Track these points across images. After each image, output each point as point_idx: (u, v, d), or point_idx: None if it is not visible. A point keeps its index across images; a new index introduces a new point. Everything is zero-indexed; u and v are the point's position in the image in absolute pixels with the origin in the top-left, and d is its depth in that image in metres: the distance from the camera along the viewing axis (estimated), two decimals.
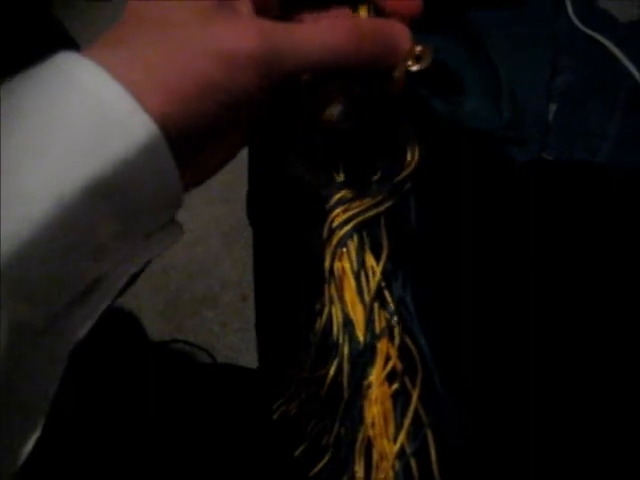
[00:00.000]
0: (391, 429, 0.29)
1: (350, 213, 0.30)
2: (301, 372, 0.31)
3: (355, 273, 0.30)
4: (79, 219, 0.23)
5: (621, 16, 0.77)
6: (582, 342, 0.41)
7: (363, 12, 0.31)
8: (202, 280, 0.96)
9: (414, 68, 0.30)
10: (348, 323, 0.30)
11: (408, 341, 0.29)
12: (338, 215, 0.31)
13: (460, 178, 0.42)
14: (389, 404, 0.29)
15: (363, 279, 0.30)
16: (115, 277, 0.26)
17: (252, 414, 0.66)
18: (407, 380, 0.29)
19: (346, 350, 0.30)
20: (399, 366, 0.29)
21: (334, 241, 0.31)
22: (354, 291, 0.30)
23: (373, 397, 0.29)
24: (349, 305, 0.30)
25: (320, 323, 0.31)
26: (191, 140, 0.26)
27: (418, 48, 0.30)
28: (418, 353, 0.29)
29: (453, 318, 0.36)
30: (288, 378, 0.32)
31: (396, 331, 0.30)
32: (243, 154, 0.56)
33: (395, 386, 0.29)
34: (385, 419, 0.28)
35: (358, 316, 0.30)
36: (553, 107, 0.75)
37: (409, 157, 0.31)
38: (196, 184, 0.30)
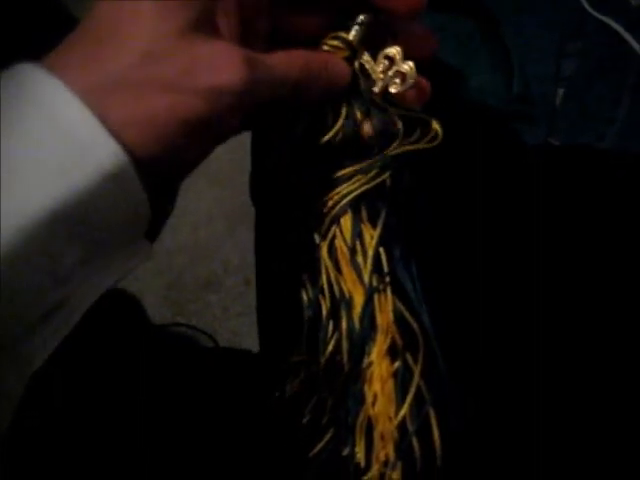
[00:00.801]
0: (392, 408, 0.28)
1: (344, 191, 0.30)
2: (301, 352, 0.31)
3: (350, 248, 0.30)
4: (40, 249, 0.22)
5: None
6: (590, 324, 0.41)
7: (353, 36, 0.31)
8: (205, 263, 0.96)
9: (397, 90, 0.31)
10: (346, 299, 0.29)
11: (409, 317, 0.29)
12: (332, 196, 0.31)
13: (466, 155, 0.42)
14: (390, 382, 0.28)
15: (360, 254, 0.30)
16: (78, 300, 0.25)
17: (254, 398, 0.66)
18: (409, 357, 0.29)
19: (344, 327, 0.29)
20: (400, 342, 0.29)
21: (328, 219, 0.30)
22: (350, 266, 0.30)
23: (374, 375, 0.28)
24: (347, 281, 0.30)
25: (318, 301, 0.30)
26: (169, 169, 0.25)
27: (398, 67, 0.31)
28: (420, 329, 0.29)
29: (458, 296, 0.36)
30: (288, 358, 0.32)
31: (395, 305, 0.29)
32: (246, 138, 0.55)
33: (397, 364, 0.29)
34: (386, 398, 0.28)
35: (356, 292, 0.29)
36: (561, 91, 0.74)
37: (401, 130, 0.31)
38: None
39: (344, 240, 0.30)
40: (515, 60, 0.54)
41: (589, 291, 0.45)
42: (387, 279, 0.29)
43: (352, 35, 0.31)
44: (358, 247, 0.30)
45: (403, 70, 0.31)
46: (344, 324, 0.29)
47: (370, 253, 0.29)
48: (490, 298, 0.41)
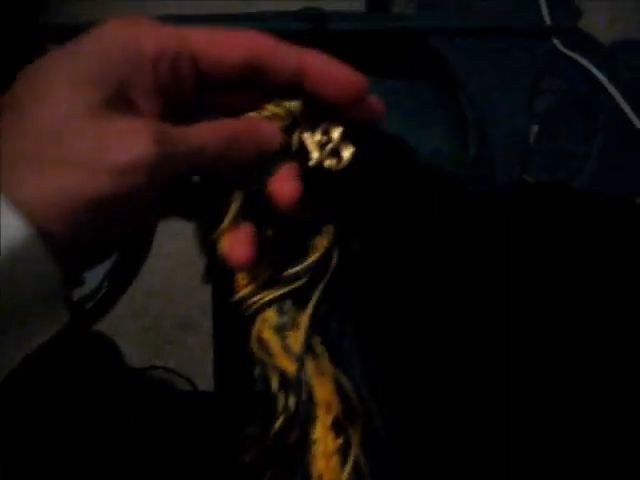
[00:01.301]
0: None
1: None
2: (255, 424, 0.30)
3: (278, 328, 0.29)
4: None
5: (602, 36, 0.77)
6: (558, 379, 0.40)
7: (296, 106, 0.30)
8: (183, 305, 0.94)
9: (332, 166, 0.30)
10: (284, 380, 0.29)
11: (349, 388, 0.29)
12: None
13: (419, 223, 0.41)
14: (335, 459, 0.28)
15: (291, 334, 0.29)
16: None
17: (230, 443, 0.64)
18: (351, 431, 0.28)
19: (289, 404, 0.29)
20: (342, 416, 0.28)
21: (252, 308, 0.30)
22: (281, 348, 0.29)
23: (318, 452, 0.28)
24: (283, 361, 0.29)
25: (267, 376, 0.30)
26: (80, 246, 0.25)
27: (336, 147, 0.30)
28: (358, 400, 0.28)
29: (410, 358, 0.35)
30: (243, 430, 0.31)
31: (336, 378, 0.29)
32: None
33: (341, 439, 0.28)
34: (331, 474, 0.28)
35: (292, 371, 0.29)
36: (535, 128, 0.74)
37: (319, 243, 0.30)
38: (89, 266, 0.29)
39: (267, 327, 0.30)
40: (470, 118, 0.54)
41: (559, 334, 0.45)
42: (320, 351, 0.29)
43: (294, 104, 0.30)
44: (286, 326, 0.30)
45: (342, 152, 0.30)
46: (289, 402, 0.29)
47: (302, 335, 0.29)
48: (444, 350, 0.40)
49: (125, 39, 0.26)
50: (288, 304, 0.30)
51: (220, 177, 0.29)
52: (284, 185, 0.29)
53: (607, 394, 0.41)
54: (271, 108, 0.30)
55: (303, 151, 0.30)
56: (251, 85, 0.29)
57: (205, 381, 0.91)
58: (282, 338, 0.29)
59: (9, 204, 0.22)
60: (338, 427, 0.28)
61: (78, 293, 0.97)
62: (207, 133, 0.27)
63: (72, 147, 0.24)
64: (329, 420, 0.28)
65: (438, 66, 0.51)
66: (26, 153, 0.23)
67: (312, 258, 0.30)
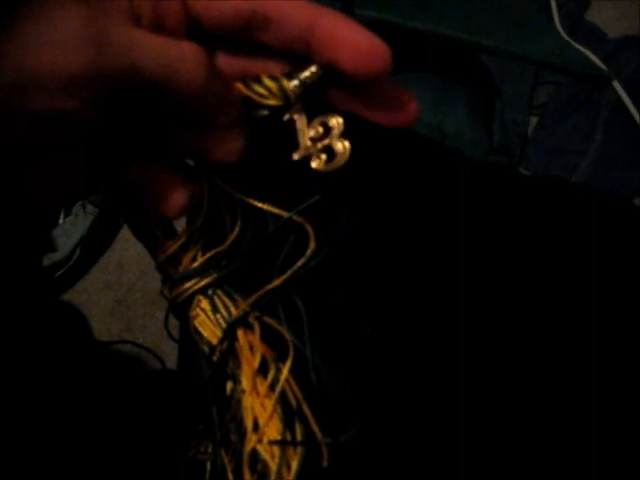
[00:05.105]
0: (277, 424, 0.26)
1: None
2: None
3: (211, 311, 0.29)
4: None
5: (610, 30, 0.74)
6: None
7: (294, 88, 0.26)
8: (156, 278, 0.91)
9: (319, 167, 0.26)
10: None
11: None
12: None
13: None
14: (267, 399, 0.26)
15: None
16: None
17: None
18: (281, 365, 0.27)
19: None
20: (271, 354, 0.27)
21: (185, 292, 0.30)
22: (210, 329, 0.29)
23: (249, 399, 0.26)
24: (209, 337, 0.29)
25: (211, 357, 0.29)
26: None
27: (330, 142, 0.26)
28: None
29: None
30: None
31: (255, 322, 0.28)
32: None
33: (271, 375, 0.27)
34: (267, 413, 0.26)
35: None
36: (534, 120, 0.72)
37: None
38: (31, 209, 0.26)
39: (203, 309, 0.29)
40: (498, 103, 0.50)
41: (552, 332, 0.42)
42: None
43: (293, 85, 0.26)
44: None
45: (335, 148, 0.26)
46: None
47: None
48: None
49: None
50: (220, 290, 0.29)
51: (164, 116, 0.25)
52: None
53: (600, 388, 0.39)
54: (266, 81, 0.26)
55: (291, 137, 0.27)
56: (250, 42, 0.25)
57: (174, 358, 0.88)
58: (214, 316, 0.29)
59: None
60: (264, 367, 0.27)
61: (49, 260, 0.94)
62: (173, 44, 0.23)
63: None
64: (254, 364, 0.27)
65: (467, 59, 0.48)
66: None
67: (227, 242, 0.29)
